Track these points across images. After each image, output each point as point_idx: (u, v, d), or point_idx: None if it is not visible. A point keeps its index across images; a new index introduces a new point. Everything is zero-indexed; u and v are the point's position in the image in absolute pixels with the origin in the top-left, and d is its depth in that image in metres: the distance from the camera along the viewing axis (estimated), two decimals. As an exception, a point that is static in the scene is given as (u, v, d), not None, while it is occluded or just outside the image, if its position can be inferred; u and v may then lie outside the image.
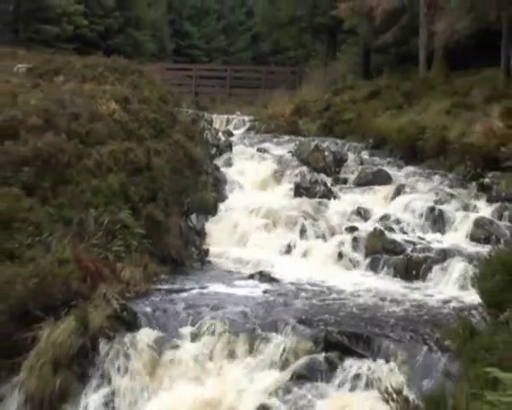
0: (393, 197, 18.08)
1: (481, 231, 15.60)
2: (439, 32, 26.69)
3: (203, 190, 17.33)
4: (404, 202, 17.64)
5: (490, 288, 7.12)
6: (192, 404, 10.19)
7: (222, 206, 17.45)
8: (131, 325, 11.60)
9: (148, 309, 12.00)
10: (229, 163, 20.40)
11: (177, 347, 11.11)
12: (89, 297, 11.86)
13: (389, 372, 9.60)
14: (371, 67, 36.61)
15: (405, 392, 5.29)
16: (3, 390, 11.59)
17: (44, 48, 35.92)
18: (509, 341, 6.02)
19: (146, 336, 11.32)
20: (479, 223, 15.87)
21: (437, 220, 16.54)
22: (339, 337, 10.57)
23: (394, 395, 5.14)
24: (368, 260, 15.02)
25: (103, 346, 11.25)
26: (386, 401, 5.13)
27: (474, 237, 15.58)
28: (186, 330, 11.35)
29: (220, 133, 23.71)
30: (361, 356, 10.21)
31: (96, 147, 15.22)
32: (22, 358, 11.42)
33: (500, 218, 16.12)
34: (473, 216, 16.36)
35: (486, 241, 15.11)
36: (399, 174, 19.68)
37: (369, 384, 9.59)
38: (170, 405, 10.34)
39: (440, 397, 4.92)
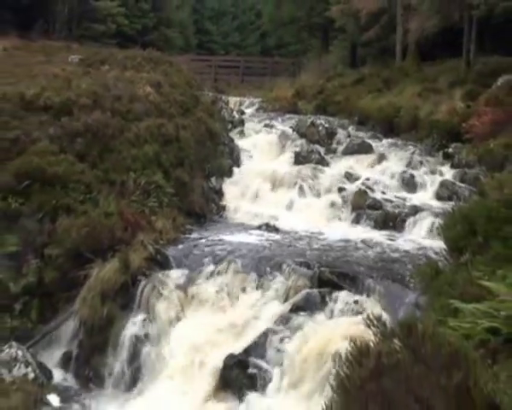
0: (374, 164, 17.99)
1: (445, 191, 15.53)
2: (413, 29, 26.49)
3: (221, 158, 17.25)
4: (383, 167, 17.58)
5: (452, 236, 7.10)
6: (212, 327, 10.25)
7: (236, 170, 17.38)
8: (163, 265, 11.66)
9: (177, 253, 12.05)
10: (242, 136, 20.27)
11: (200, 283, 11.16)
12: (129, 243, 11.90)
13: (370, 304, 9.65)
14: (357, 59, 36.30)
15: (384, 319, 5.27)
16: (62, 317, 11.70)
17: (93, 43, 35.63)
18: (467, 278, 6.02)
19: (175, 274, 11.39)
20: (443, 184, 15.80)
21: (409, 182, 16.46)
22: (330, 276, 10.59)
23: (375, 321, 5.11)
24: (353, 214, 14.98)
25: (141, 282, 11.32)
26: (368, 326, 5.11)
27: (439, 196, 15.51)
28: (207, 270, 11.37)
29: (234, 112, 23.49)
30: (348, 291, 10.24)
31: (134, 122, 15.16)
32: (76, 291, 11.52)
33: (461, 180, 16.04)
34: (439, 179, 16.29)
35: (450, 199, 15.03)
36: (379, 145, 19.53)
37: (354, 313, 9.64)
38: (194, 328, 10.40)
39: (412, 323, 4.89)
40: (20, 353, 10.72)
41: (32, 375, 10.64)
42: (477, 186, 12.70)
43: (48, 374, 11.01)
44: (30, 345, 11.25)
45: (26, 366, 10.64)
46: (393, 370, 4.69)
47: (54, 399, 10.55)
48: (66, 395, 10.74)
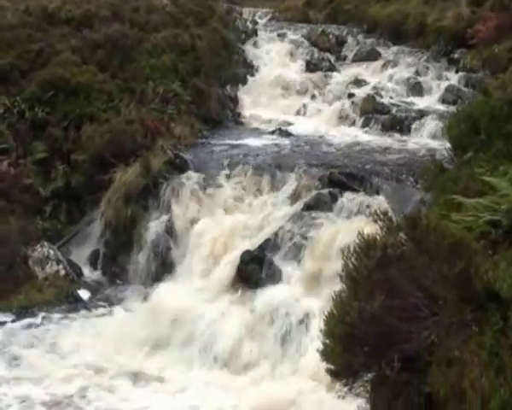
0: (383, 70, 17.63)
1: (450, 96, 15.22)
2: None
3: (235, 67, 16.95)
4: (390, 73, 17.20)
5: (456, 134, 6.97)
6: (229, 226, 10.30)
7: (250, 78, 17.09)
8: (182, 169, 11.62)
9: (195, 157, 12.01)
10: (255, 45, 19.82)
11: (216, 185, 11.14)
12: (150, 148, 11.85)
13: (377, 202, 9.59)
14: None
15: (390, 214, 5.22)
16: (91, 217, 11.81)
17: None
18: (470, 175, 5.94)
19: (193, 177, 11.36)
20: (448, 89, 15.48)
21: (416, 87, 16.13)
22: (339, 177, 10.53)
23: (381, 216, 5.07)
24: (362, 118, 14.78)
25: (161, 185, 11.32)
26: (375, 221, 5.07)
27: (444, 100, 15.21)
28: (224, 173, 11.33)
29: (248, 22, 22.93)
30: (356, 191, 10.18)
31: (152, 33, 14.90)
32: (101, 194, 11.57)
33: (465, 85, 15.69)
34: (444, 84, 15.94)
35: (454, 103, 14.68)
36: (387, 52, 19.07)
37: (362, 211, 9.61)
38: (212, 227, 10.45)
39: (416, 217, 4.85)
40: (51, 252, 10.88)
41: (63, 272, 10.83)
42: (481, 88, 12.43)
43: (78, 271, 11.21)
44: (60, 244, 11.41)
45: (58, 264, 10.82)
46: (399, 260, 4.68)
47: (84, 293, 10.77)
48: (95, 290, 10.97)
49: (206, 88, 14.59)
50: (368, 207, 9.50)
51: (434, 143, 12.59)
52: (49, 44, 13.57)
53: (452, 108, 13.45)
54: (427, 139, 13.28)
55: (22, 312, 10.04)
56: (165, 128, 12.54)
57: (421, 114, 14.30)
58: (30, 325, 9.75)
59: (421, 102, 15.41)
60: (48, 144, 12.29)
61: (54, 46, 13.58)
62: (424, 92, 16.05)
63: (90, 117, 12.42)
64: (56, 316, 10.00)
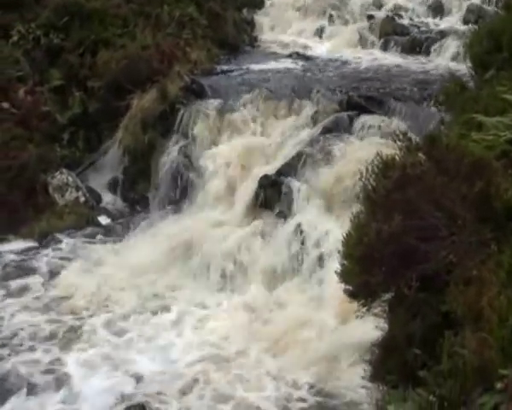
0: (403, -10, 17.13)
1: (472, 16, 14.77)
2: None
3: (252, -10, 16.57)
4: (410, -7, 16.74)
5: (477, 52, 6.76)
6: (247, 151, 10.26)
7: (267, 1, 16.70)
8: (200, 94, 11.52)
9: (212, 82, 11.89)
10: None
11: (234, 109, 11.03)
12: (166, 74, 11.73)
13: (396, 123, 9.44)
14: None
15: (409, 134, 5.13)
16: (109, 144, 11.78)
17: None
18: (491, 93, 5.78)
19: (211, 102, 11.26)
20: (470, 8, 15.04)
21: (437, 8, 15.69)
22: (358, 99, 10.38)
23: (401, 137, 4.99)
24: (381, 40, 14.49)
25: (179, 111, 11.23)
26: (394, 141, 4.98)
27: (466, 20, 14.75)
28: (241, 97, 11.19)
29: None
30: (375, 113, 10.03)
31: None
32: (119, 121, 11.52)
33: (488, 3, 15.24)
34: (466, 3, 15.46)
35: (476, 23, 14.18)
36: (408, -29, 18.49)
37: (381, 134, 9.48)
38: (231, 152, 10.40)
39: (436, 136, 4.76)
40: (70, 178, 10.93)
41: (82, 199, 10.89)
42: (503, 5, 12.02)
43: (97, 198, 11.26)
44: (79, 172, 11.44)
45: (77, 191, 10.87)
46: (417, 180, 4.60)
47: (104, 220, 10.84)
48: (114, 217, 11.03)
49: (222, 12, 14.32)
50: (387, 129, 9.36)
51: (455, 65, 12.30)
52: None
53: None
54: (447, 61, 12.96)
55: (44, 238, 10.16)
56: (181, 53, 12.37)
57: (442, 35, 13.94)
58: (54, 250, 9.88)
59: (441, 23, 15.03)
60: (64, 71, 12.17)
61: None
62: (445, 12, 15.62)
63: (106, 43, 12.25)
64: (78, 241, 10.10)
